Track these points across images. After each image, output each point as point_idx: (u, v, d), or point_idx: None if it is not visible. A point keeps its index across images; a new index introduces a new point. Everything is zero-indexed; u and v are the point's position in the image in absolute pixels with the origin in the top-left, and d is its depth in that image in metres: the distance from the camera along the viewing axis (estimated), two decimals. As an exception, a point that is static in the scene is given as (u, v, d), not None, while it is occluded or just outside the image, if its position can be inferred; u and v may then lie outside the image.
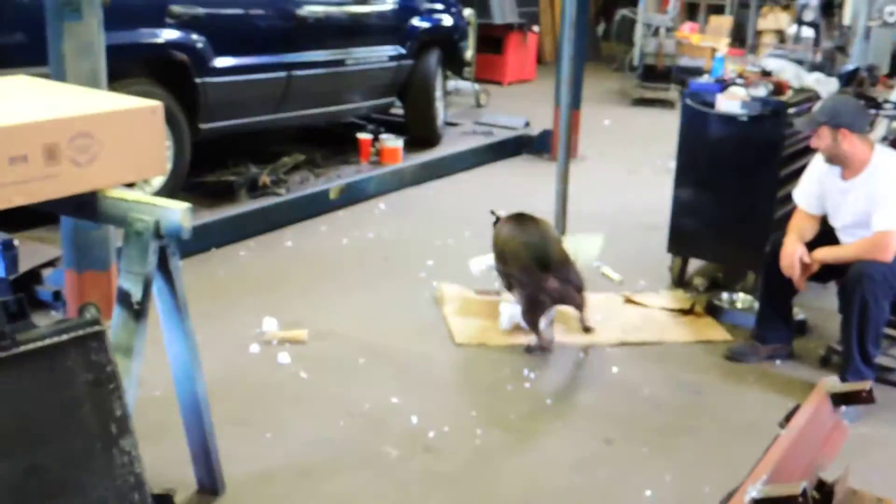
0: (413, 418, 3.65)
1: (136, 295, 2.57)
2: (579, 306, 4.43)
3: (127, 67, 5.11)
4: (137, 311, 2.57)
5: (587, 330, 4.49)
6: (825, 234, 4.18)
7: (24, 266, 4.20)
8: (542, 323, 4.32)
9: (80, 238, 3.91)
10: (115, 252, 3.97)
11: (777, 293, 4.27)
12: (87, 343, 2.22)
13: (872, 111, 5.39)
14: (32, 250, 4.42)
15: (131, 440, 2.26)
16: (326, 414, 3.65)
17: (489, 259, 4.80)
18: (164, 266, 2.67)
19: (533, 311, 4.28)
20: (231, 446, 3.21)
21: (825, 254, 4.05)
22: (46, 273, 4.36)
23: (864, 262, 3.87)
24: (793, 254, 4.04)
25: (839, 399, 2.55)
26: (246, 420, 3.56)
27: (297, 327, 4.34)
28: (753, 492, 2.04)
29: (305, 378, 3.94)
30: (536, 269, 4.22)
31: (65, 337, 2.17)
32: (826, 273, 4.14)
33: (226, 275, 5.04)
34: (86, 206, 2.67)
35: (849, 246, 4.05)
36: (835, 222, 4.17)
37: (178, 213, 2.58)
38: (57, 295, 4.24)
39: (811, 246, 4.09)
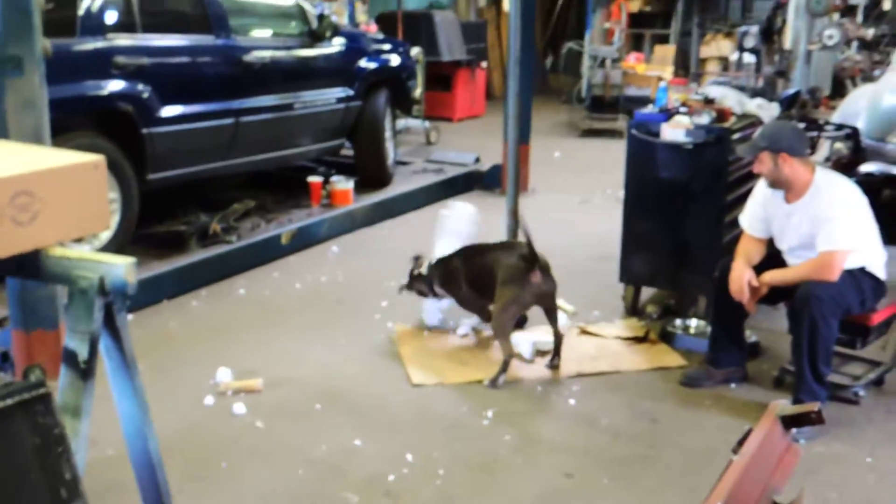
0: (372, 462, 3.63)
1: (83, 354, 2.53)
2: (553, 308, 4.53)
3: (72, 120, 5.08)
4: (84, 371, 2.53)
5: (557, 357, 4.54)
6: (772, 257, 4.24)
7: (-30, 328, 4.15)
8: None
9: (26, 297, 3.86)
10: (63, 310, 3.92)
11: (728, 317, 4.32)
12: (33, 407, 2.17)
13: (814, 133, 5.50)
14: (-21, 311, 4.36)
15: (82, 503, 2.22)
16: (285, 463, 3.61)
17: (440, 304, 4.85)
18: (110, 323, 2.63)
19: (512, 310, 4.42)
20: (189, 502, 3.17)
21: (773, 276, 4.10)
22: (-6, 334, 4.30)
23: (811, 283, 3.93)
24: (741, 278, 4.09)
25: (789, 421, 2.57)
26: (203, 474, 3.52)
27: (252, 376, 4.30)
28: (708, 520, 2.05)
29: (262, 427, 3.90)
30: (524, 265, 4.38)
31: (9, 402, 2.12)
32: (775, 295, 4.19)
33: (178, 326, 4.99)
34: (28, 266, 2.63)
35: (795, 268, 4.10)
36: (781, 245, 4.23)
37: (123, 269, 2.54)
38: (5, 356, 4.16)
39: (759, 269, 4.14)
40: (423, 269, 4.89)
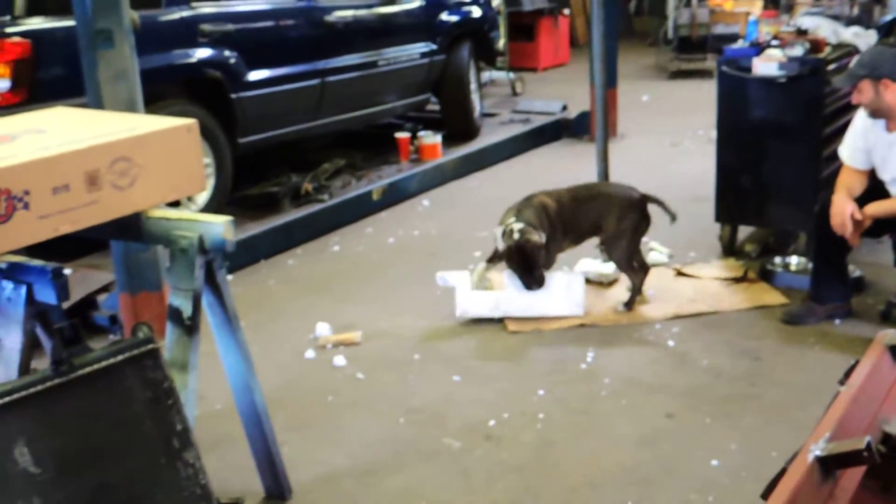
0: (472, 409, 3.66)
1: (187, 311, 2.61)
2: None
3: (163, 89, 5.19)
4: (189, 327, 2.61)
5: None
6: (875, 189, 4.10)
7: (79, 293, 4.29)
8: None
9: (130, 261, 3.98)
10: (165, 271, 4.03)
11: (830, 252, 4.21)
12: (143, 362, 2.25)
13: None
14: (87, 277, 4.51)
15: (194, 453, 2.29)
16: (386, 412, 3.67)
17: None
18: (211, 280, 2.70)
19: (636, 240, 4.55)
20: (295, 452, 3.25)
21: (877, 208, 3.97)
22: (102, 298, 4.44)
23: (917, 213, 3.80)
24: (843, 211, 3.97)
25: (899, 351, 2.51)
26: (307, 425, 3.60)
27: (351, 329, 4.37)
28: (817, 450, 2.01)
29: (362, 379, 3.97)
30: (638, 201, 4.56)
31: (120, 357, 2.20)
32: (879, 227, 4.07)
33: (276, 284, 5.09)
34: (130, 229, 2.71)
35: (900, 198, 3.97)
36: (883, 175, 4.09)
37: (221, 227, 2.61)
38: (114, 319, 4.31)
39: (861, 201, 4.02)
40: (531, 212, 4.50)
